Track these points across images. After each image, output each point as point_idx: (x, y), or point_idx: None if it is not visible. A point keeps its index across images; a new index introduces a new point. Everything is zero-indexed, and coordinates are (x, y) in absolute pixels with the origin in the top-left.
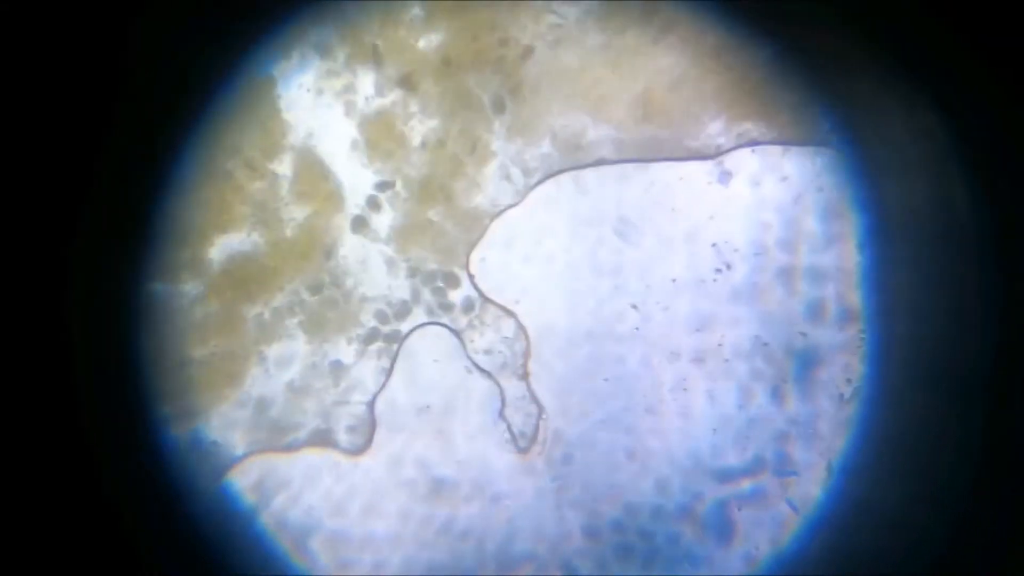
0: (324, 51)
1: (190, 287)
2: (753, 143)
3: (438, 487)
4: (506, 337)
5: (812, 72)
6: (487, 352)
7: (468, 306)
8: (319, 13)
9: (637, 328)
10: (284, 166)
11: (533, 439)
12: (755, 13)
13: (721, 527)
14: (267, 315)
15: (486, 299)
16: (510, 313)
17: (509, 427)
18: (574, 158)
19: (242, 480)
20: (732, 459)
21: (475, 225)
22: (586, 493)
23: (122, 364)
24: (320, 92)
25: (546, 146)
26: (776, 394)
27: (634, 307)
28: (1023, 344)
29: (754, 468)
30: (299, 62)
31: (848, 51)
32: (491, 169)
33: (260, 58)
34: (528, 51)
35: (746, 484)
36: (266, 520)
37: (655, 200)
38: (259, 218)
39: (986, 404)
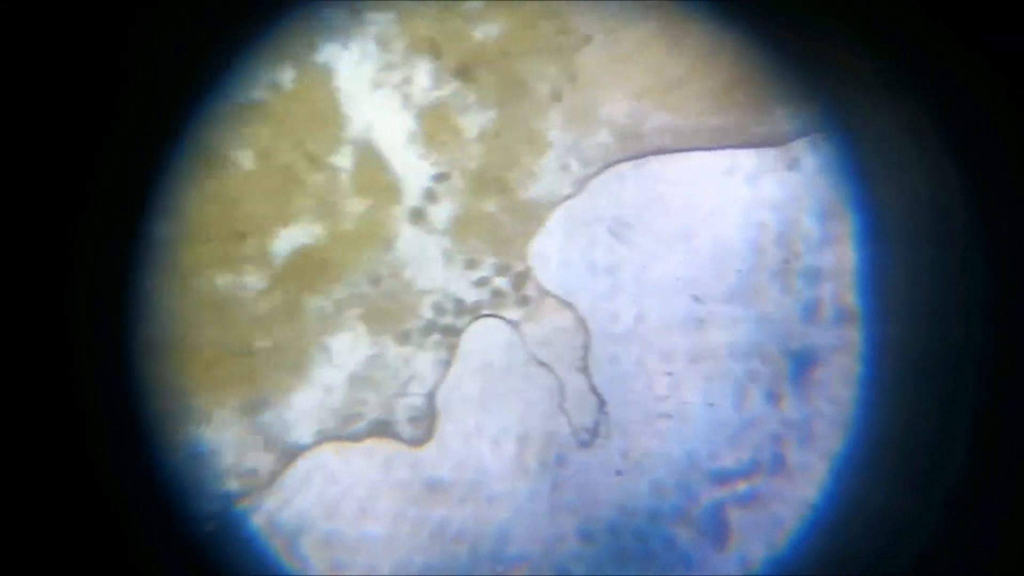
0: (383, 43)
1: (254, 279)
2: (815, 131)
3: (432, 488)
4: (564, 329)
5: (812, 72)
6: (545, 344)
7: (525, 298)
8: (378, 5)
9: (632, 327)
10: (344, 159)
11: (595, 432)
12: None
13: (717, 529)
14: (328, 307)
15: (543, 291)
16: (568, 305)
17: (569, 420)
18: (633, 147)
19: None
20: (728, 461)
21: (532, 216)
22: (581, 495)
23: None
24: (378, 85)
25: (604, 135)
26: (772, 395)
27: (633, 306)
28: (1019, 344)
29: (750, 470)
30: (359, 55)
31: (845, 52)
32: (548, 159)
33: (319, 51)
34: (587, 39)
35: (742, 486)
36: (257, 521)
37: (651, 198)
38: (320, 211)
39: (984, 404)
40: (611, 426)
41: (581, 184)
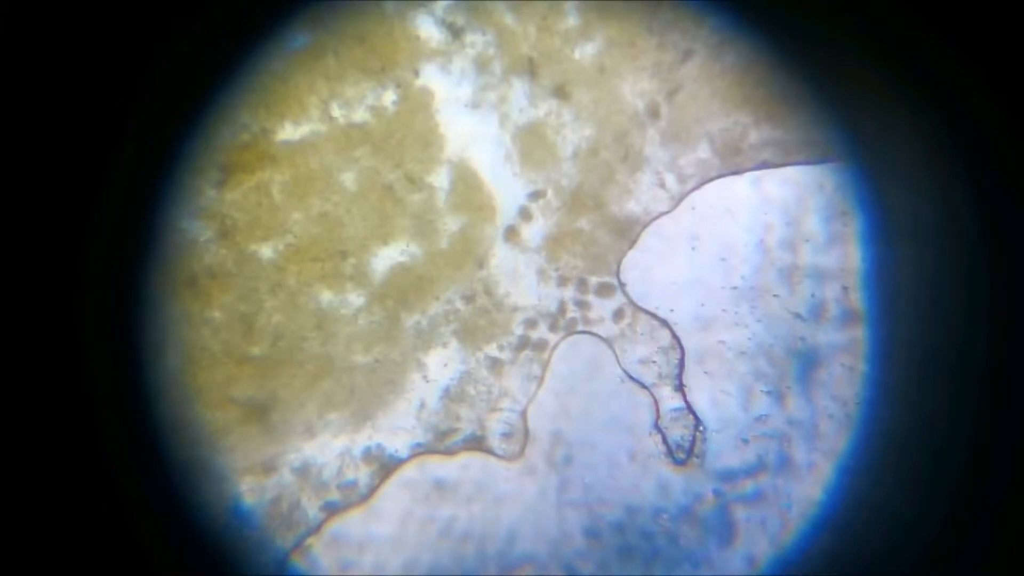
0: (481, 65)
1: (354, 296)
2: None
3: (439, 488)
4: (661, 347)
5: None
6: (641, 362)
7: (619, 315)
8: (478, 26)
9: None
10: (440, 178)
11: (690, 452)
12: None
13: (722, 528)
14: (424, 323)
15: (638, 308)
16: (664, 322)
17: (664, 439)
18: (734, 163)
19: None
20: (734, 460)
21: (627, 233)
22: (587, 494)
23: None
24: (476, 106)
25: (703, 151)
26: (778, 395)
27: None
28: (1022, 344)
29: (755, 469)
30: (458, 77)
31: (855, 65)
32: (644, 176)
33: (420, 74)
34: (688, 54)
35: (748, 485)
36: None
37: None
38: (417, 230)
39: (989, 404)
40: (707, 445)
41: (677, 200)
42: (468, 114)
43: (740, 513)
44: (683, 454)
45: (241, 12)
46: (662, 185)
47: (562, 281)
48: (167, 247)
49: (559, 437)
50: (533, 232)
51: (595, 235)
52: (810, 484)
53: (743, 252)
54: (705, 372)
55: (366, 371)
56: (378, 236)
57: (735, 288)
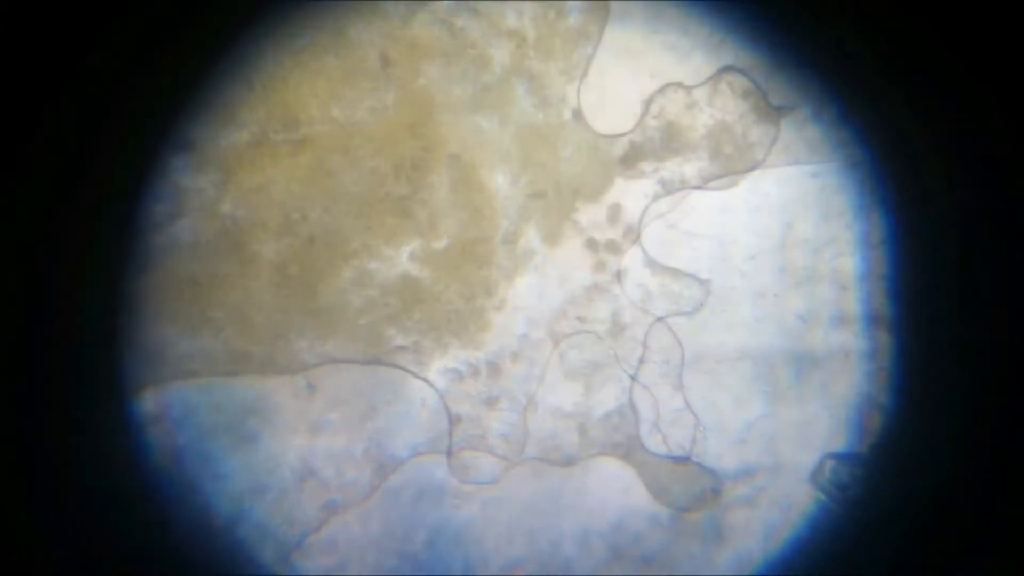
0: (482, 64)
1: (355, 296)
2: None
3: (439, 488)
4: (660, 347)
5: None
6: (641, 362)
7: (620, 314)
8: (478, 26)
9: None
10: (442, 179)
11: (690, 452)
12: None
13: (719, 529)
14: (424, 323)
15: (638, 307)
16: (663, 322)
17: (664, 439)
18: (734, 163)
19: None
20: (731, 460)
21: (627, 233)
22: (586, 494)
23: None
24: (478, 105)
25: (703, 151)
26: (776, 395)
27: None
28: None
29: (751, 470)
30: (459, 75)
31: (856, 61)
32: (646, 175)
33: (420, 74)
34: (688, 54)
35: (745, 485)
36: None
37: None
38: (417, 230)
39: (989, 404)
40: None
41: (678, 201)
42: (468, 112)
43: (738, 513)
44: (682, 454)
45: (241, 12)
46: (663, 184)
47: (562, 280)
48: (166, 247)
49: (558, 437)
50: (534, 232)
51: (595, 235)
52: (806, 485)
53: (743, 252)
54: (704, 372)
55: (366, 371)
56: (378, 236)
57: (735, 288)
